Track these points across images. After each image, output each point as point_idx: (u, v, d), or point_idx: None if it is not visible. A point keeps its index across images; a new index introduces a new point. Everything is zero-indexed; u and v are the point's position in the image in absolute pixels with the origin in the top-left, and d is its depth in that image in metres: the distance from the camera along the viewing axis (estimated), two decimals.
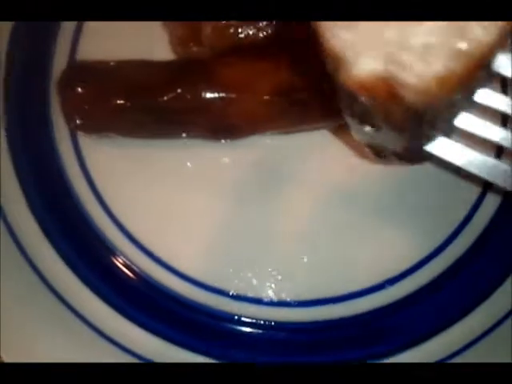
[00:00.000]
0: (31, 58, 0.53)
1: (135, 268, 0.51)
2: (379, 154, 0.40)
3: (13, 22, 0.52)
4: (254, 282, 0.50)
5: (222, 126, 0.49)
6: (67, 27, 0.54)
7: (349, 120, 0.34)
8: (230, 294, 0.50)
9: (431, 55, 0.25)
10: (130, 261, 0.51)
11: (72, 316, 0.49)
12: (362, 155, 0.52)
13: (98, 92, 0.46)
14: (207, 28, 0.49)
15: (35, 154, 0.53)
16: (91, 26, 0.54)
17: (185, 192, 0.52)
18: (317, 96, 0.48)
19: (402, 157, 0.39)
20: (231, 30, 0.49)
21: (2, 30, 0.52)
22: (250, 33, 0.50)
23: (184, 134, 0.50)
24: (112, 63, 0.48)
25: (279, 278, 0.50)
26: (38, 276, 0.49)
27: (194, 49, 0.50)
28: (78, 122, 0.48)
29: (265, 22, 0.49)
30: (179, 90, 0.47)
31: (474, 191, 0.52)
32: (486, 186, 0.51)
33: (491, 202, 0.52)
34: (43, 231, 0.51)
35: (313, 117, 0.50)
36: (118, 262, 0.51)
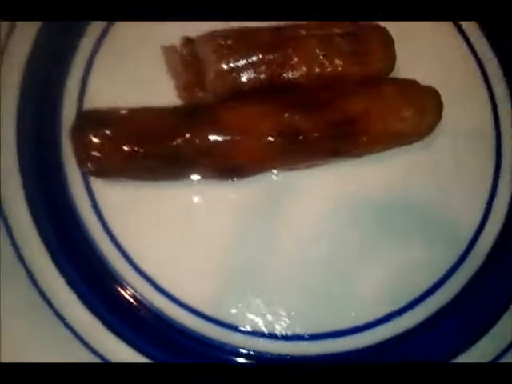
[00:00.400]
0: (41, 104, 0.56)
1: (142, 299, 0.53)
2: None
3: (23, 70, 0.55)
4: (267, 316, 0.52)
5: (229, 166, 0.51)
6: (75, 73, 0.56)
7: None
8: (242, 329, 0.52)
9: None
10: (138, 293, 0.53)
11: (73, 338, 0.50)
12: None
13: (110, 140, 0.49)
14: (211, 73, 0.52)
15: (49, 193, 0.55)
16: (99, 72, 0.57)
17: (193, 228, 0.54)
18: (317, 135, 0.51)
19: None
20: (233, 75, 0.52)
21: (14, 76, 0.55)
22: (251, 77, 0.52)
23: (193, 176, 0.52)
24: (123, 111, 0.51)
25: (292, 313, 0.52)
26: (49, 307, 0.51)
27: (199, 93, 0.53)
28: (90, 167, 0.50)
29: (263, 67, 0.52)
30: (187, 136, 0.49)
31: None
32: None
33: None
34: (54, 263, 0.53)
35: (314, 154, 0.53)
36: (127, 294, 0.53)
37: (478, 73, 0.59)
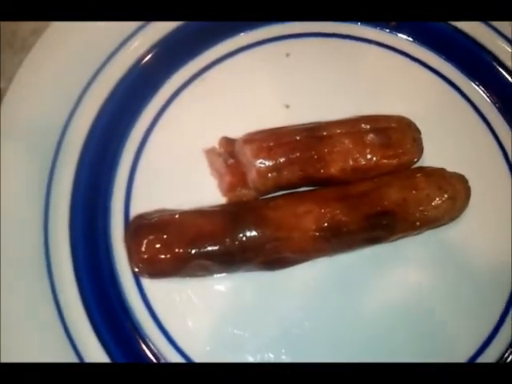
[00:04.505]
0: (91, 207, 0.59)
1: None
2: None
3: (73, 179, 0.59)
4: None
5: (275, 259, 0.54)
6: (121, 176, 0.60)
7: None
8: None
9: None
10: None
11: None
12: None
13: (163, 243, 0.52)
14: (252, 174, 0.55)
15: (100, 285, 0.58)
16: (143, 175, 0.60)
17: (237, 316, 0.57)
18: (357, 227, 0.54)
19: None
20: (273, 174, 0.56)
21: (65, 184, 0.59)
22: (290, 174, 0.56)
23: (242, 269, 0.55)
24: (173, 215, 0.54)
25: None
26: None
27: (242, 191, 0.57)
28: (143, 269, 0.54)
29: (301, 165, 0.56)
30: (235, 235, 0.52)
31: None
32: None
33: None
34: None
35: (354, 244, 0.56)
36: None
37: (500, 156, 0.63)
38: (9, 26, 0.67)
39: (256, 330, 0.57)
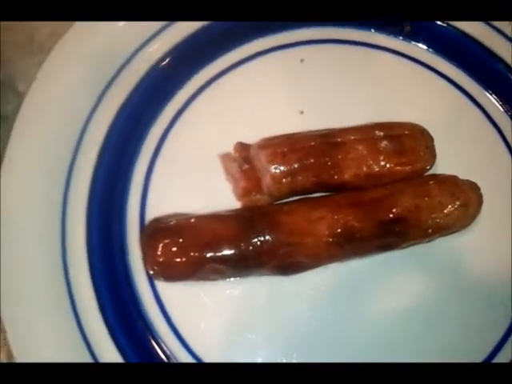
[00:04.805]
0: (107, 211, 0.60)
1: None
2: None
3: (90, 182, 0.60)
4: None
5: (289, 264, 0.55)
6: (137, 181, 0.61)
7: None
8: None
9: None
10: None
11: None
12: None
13: (179, 247, 0.53)
14: (267, 179, 0.56)
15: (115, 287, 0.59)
16: (159, 180, 0.61)
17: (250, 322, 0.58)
18: (370, 233, 0.54)
19: None
20: (288, 179, 0.56)
21: (82, 187, 0.60)
22: (304, 179, 0.57)
23: (256, 274, 0.56)
24: (189, 219, 0.55)
25: None
26: None
27: (257, 196, 0.57)
28: (158, 271, 0.54)
29: (315, 170, 0.56)
30: (250, 239, 0.53)
31: None
32: None
33: None
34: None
35: (367, 249, 0.56)
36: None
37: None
38: (26, 29, 0.68)
39: (268, 334, 0.57)
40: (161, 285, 0.58)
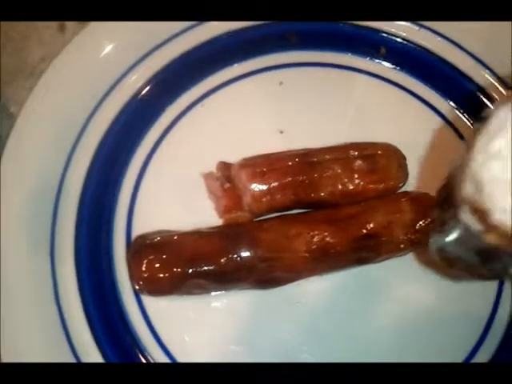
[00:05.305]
0: (95, 229, 0.63)
1: None
2: (452, 266, 0.46)
3: (79, 200, 0.63)
4: None
5: (268, 279, 0.58)
6: (124, 201, 0.64)
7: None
8: None
9: None
10: None
11: None
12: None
13: (162, 263, 0.55)
14: (247, 198, 0.59)
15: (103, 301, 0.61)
16: (144, 199, 0.64)
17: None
18: (345, 248, 0.57)
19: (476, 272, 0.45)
20: (267, 197, 0.59)
21: (71, 204, 0.63)
22: (283, 197, 0.59)
23: (236, 288, 0.59)
24: (172, 236, 0.57)
25: None
26: None
27: (238, 214, 0.60)
28: (143, 286, 0.57)
29: (293, 189, 0.59)
30: (230, 255, 0.56)
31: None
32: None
33: None
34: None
35: (342, 264, 0.59)
36: None
37: None
38: (19, 53, 0.71)
39: (252, 346, 0.60)
40: (147, 299, 0.60)
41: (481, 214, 0.33)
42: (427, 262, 0.62)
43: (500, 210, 0.33)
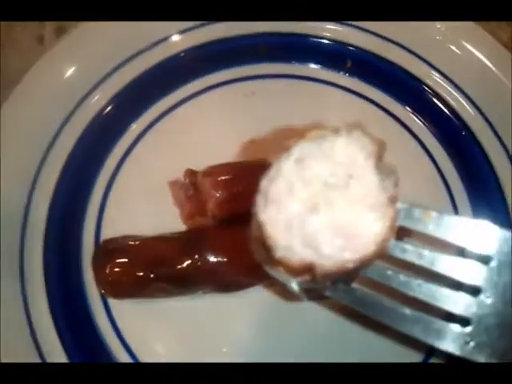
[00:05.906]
0: (64, 236, 0.65)
1: None
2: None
3: (48, 207, 0.65)
4: None
5: (227, 282, 0.59)
6: (93, 208, 0.67)
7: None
8: None
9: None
10: None
11: None
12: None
13: (125, 267, 0.57)
14: (210, 204, 0.61)
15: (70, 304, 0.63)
16: (113, 206, 0.67)
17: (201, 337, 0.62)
18: None
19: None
20: (230, 204, 0.61)
21: (41, 211, 0.65)
22: (244, 203, 0.60)
23: (199, 291, 0.60)
24: (135, 240, 0.59)
25: None
26: None
27: (201, 219, 0.62)
28: (108, 290, 0.59)
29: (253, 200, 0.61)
30: (191, 259, 0.57)
31: None
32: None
33: None
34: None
35: None
36: None
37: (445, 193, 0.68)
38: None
39: (215, 349, 0.61)
40: (113, 302, 0.62)
41: (268, 250, 0.38)
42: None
43: (282, 248, 0.37)
